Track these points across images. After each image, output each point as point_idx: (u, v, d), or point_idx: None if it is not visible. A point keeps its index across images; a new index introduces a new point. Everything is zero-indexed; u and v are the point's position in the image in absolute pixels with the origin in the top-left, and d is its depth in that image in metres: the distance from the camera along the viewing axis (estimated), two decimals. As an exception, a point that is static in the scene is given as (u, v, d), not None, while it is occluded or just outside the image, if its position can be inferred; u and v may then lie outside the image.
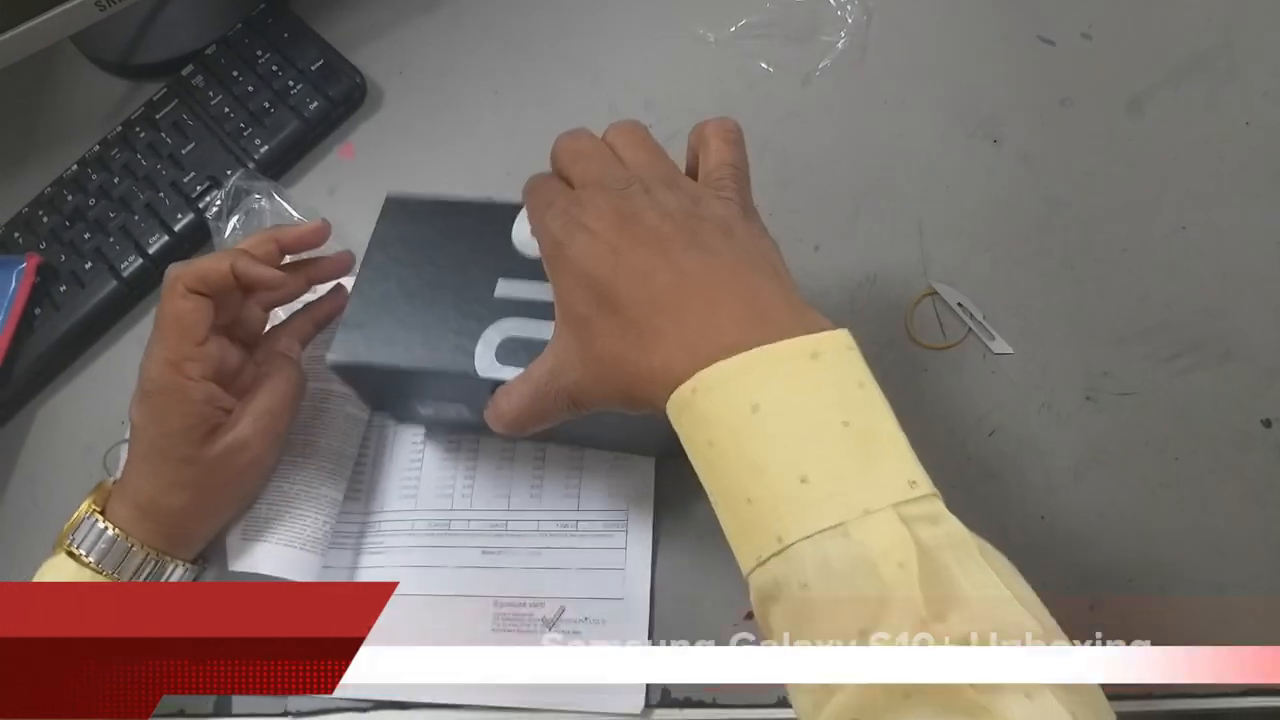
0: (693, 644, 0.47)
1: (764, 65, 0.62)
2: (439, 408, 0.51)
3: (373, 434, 0.55)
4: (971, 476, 0.49)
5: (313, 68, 0.67)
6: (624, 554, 0.50)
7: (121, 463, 0.50)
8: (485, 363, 0.45)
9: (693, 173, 0.42)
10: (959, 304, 0.52)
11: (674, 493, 0.51)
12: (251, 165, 0.64)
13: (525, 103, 0.64)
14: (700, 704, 0.47)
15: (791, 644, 0.31)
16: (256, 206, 0.61)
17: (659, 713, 0.47)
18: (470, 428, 0.52)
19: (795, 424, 0.32)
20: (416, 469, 0.54)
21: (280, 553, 0.50)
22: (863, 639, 0.30)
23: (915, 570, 0.29)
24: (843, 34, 0.61)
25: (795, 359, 0.33)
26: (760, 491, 0.32)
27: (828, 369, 0.33)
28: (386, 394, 0.52)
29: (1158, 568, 0.46)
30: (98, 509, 0.49)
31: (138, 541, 0.48)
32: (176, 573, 0.49)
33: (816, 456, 0.31)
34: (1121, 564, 0.46)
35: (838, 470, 0.31)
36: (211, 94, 0.68)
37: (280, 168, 0.65)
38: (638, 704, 0.47)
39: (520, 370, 0.42)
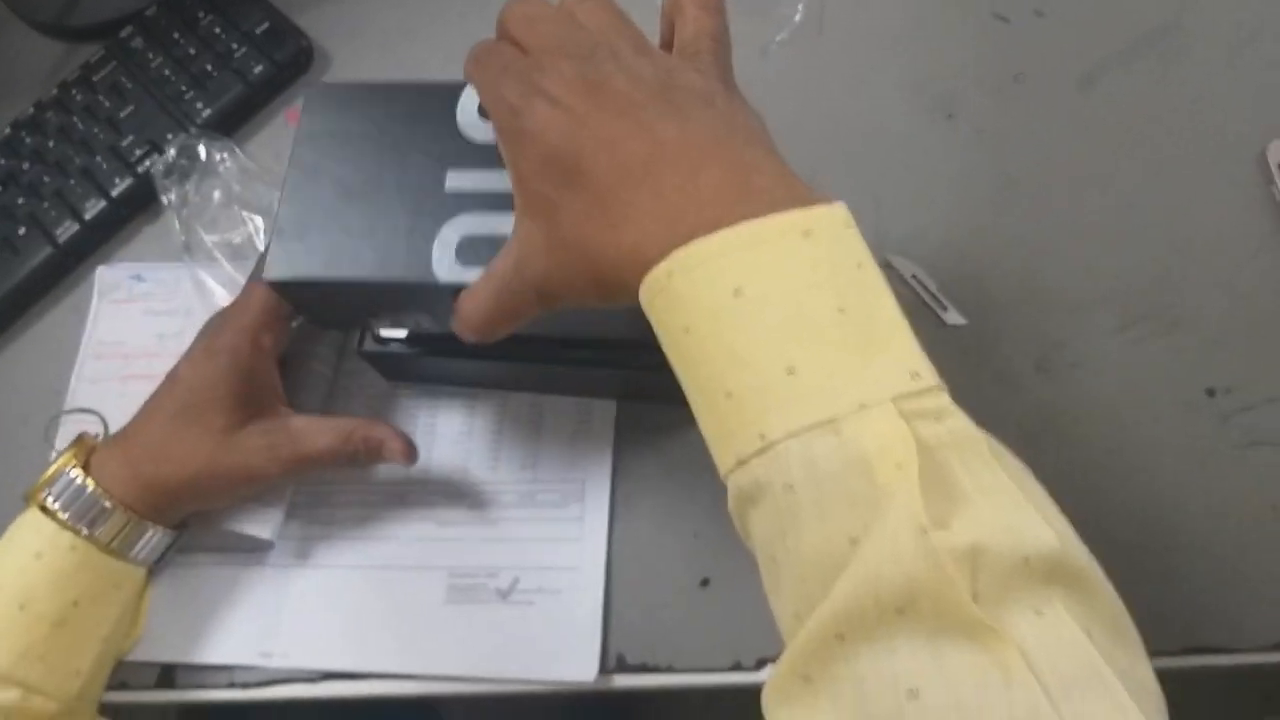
0: (649, 610, 0.48)
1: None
2: (397, 319, 0.47)
3: (330, 402, 0.54)
4: (926, 445, 0.49)
5: (257, 30, 0.65)
6: (581, 524, 0.50)
7: (63, 434, 0.48)
8: (445, 267, 0.40)
9: (667, 47, 0.37)
10: (913, 275, 0.53)
11: (633, 460, 0.51)
12: (193, 130, 0.62)
13: (479, 70, 0.63)
14: (655, 669, 0.47)
15: (772, 552, 0.28)
16: (221, 170, 0.59)
17: (616, 678, 0.47)
18: (438, 340, 0.49)
19: (783, 309, 0.28)
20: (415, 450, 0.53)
21: (245, 509, 0.50)
22: (854, 547, 0.26)
23: (915, 471, 0.26)
24: (800, 6, 0.61)
25: (785, 236, 0.29)
26: (741, 384, 0.28)
27: (821, 248, 0.29)
28: (335, 311, 0.47)
29: (1107, 533, 0.46)
30: (77, 462, 0.46)
31: (119, 501, 0.46)
32: (154, 538, 0.47)
33: (806, 345, 0.28)
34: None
35: (830, 361, 0.28)
36: (151, 56, 0.65)
37: (223, 132, 0.63)
38: (591, 670, 0.47)
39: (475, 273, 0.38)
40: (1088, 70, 0.56)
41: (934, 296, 0.52)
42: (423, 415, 0.54)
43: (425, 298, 0.41)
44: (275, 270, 0.42)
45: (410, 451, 0.48)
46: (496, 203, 0.40)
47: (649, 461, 0.51)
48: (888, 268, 0.53)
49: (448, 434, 0.53)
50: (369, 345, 0.50)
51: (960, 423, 0.28)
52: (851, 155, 0.56)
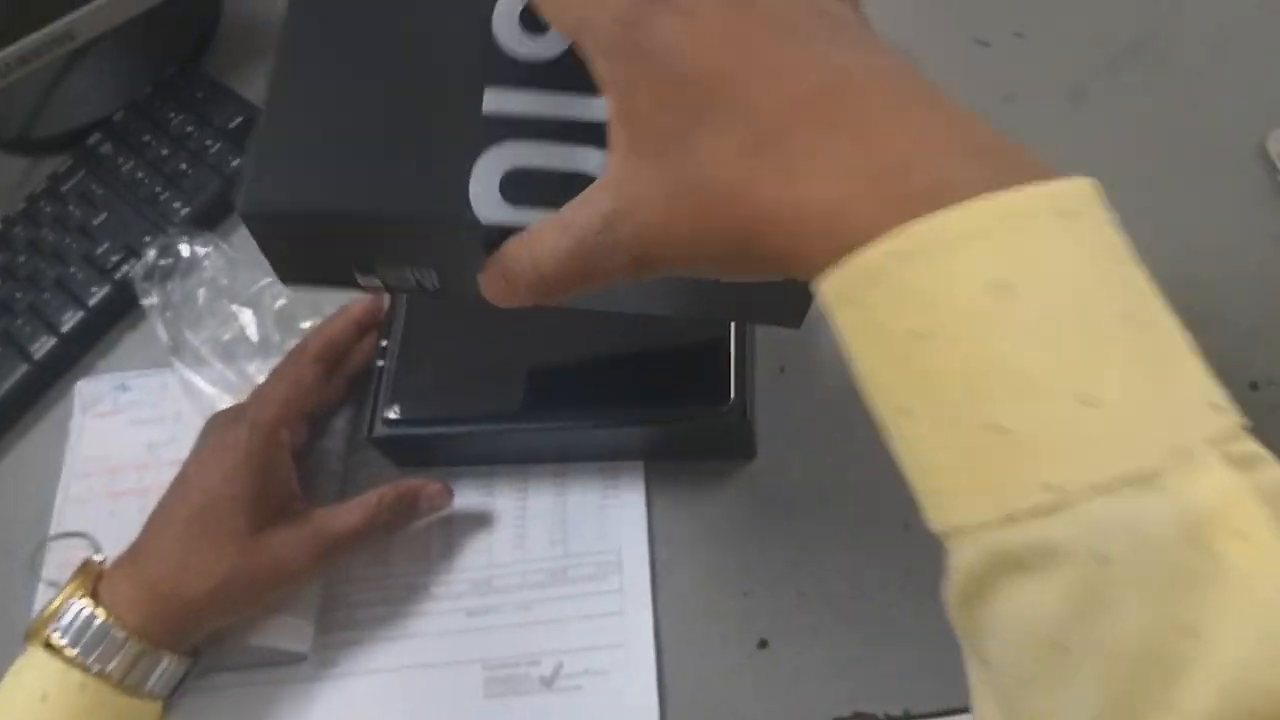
0: (705, 681, 0.44)
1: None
2: (395, 276, 0.35)
3: (341, 496, 0.51)
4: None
5: (231, 125, 0.64)
6: (619, 596, 0.47)
7: (57, 563, 0.45)
8: (488, 204, 0.30)
9: None
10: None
11: (669, 522, 0.48)
12: (171, 230, 0.60)
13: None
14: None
15: (1059, 638, 0.21)
16: (206, 265, 0.57)
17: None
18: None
19: (1061, 316, 0.21)
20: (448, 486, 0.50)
21: (273, 620, 0.46)
22: (1195, 642, 0.20)
23: (1266, 544, 0.20)
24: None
25: (1040, 216, 0.22)
26: (1015, 416, 0.21)
27: (1085, 234, 0.23)
28: (317, 257, 0.35)
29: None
30: (84, 591, 0.42)
31: (133, 631, 0.42)
32: (169, 668, 0.43)
33: (1099, 367, 0.21)
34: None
35: (1132, 388, 0.21)
36: (121, 161, 0.64)
37: (205, 229, 0.61)
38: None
39: (544, 214, 0.29)
40: (1077, 84, 0.56)
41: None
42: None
43: (453, 241, 0.32)
44: (254, 201, 0.31)
45: (446, 490, 0.48)
46: (555, 131, 0.31)
47: (686, 522, 0.48)
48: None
49: (466, 517, 0.50)
50: (379, 430, 0.48)
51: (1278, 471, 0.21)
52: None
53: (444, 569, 0.49)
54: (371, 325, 0.51)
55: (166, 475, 0.52)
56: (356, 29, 0.33)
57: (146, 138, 0.64)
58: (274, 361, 0.52)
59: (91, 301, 0.59)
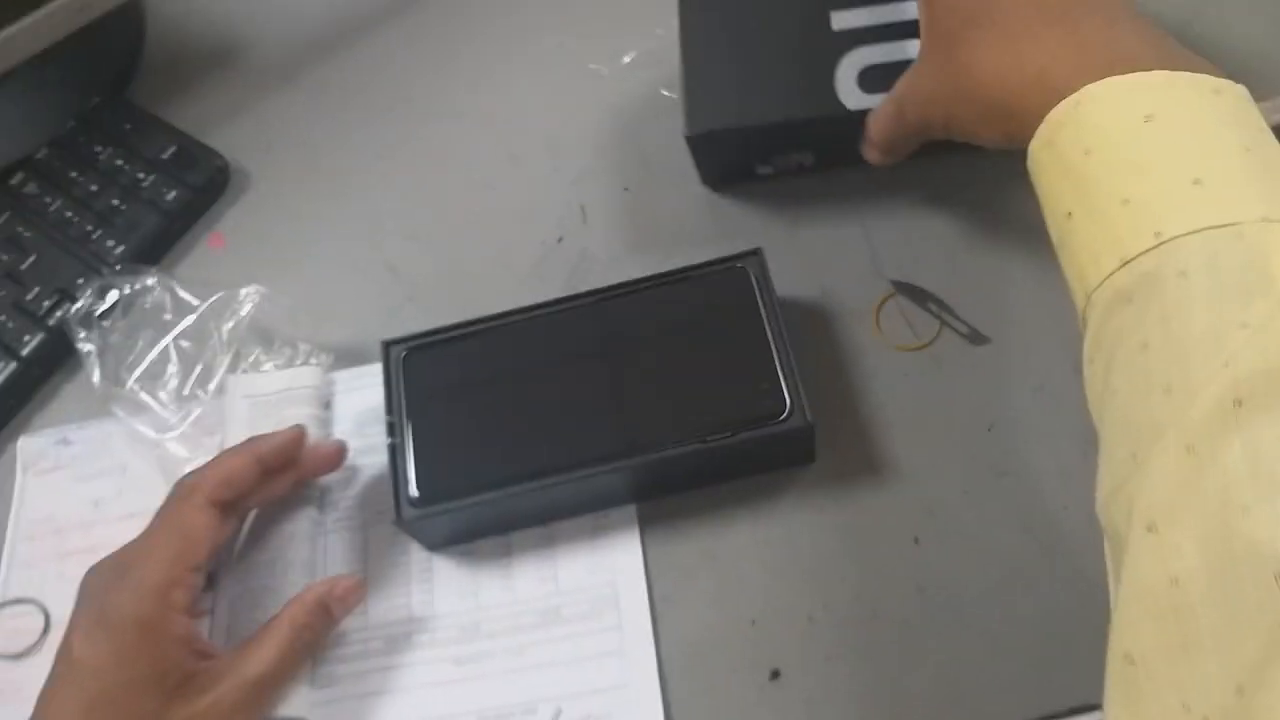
0: (716, 718, 0.41)
1: (665, 92, 0.58)
2: (782, 161, 0.51)
3: (313, 554, 0.47)
4: (980, 476, 0.45)
5: (164, 156, 0.60)
6: (619, 634, 0.44)
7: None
8: (852, 96, 0.46)
9: None
10: (928, 303, 0.49)
11: (665, 552, 0.45)
12: (105, 271, 0.56)
13: (417, 161, 0.59)
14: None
15: (1145, 337, 0.28)
16: (149, 304, 0.53)
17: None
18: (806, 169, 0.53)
19: (1194, 136, 0.30)
20: (360, 576, 0.46)
21: None
22: (1248, 332, 0.26)
23: None
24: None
25: (1197, 88, 0.31)
26: (1143, 190, 0.30)
27: (1230, 105, 0.32)
28: (734, 160, 0.51)
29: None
30: None
31: None
32: None
33: (1214, 164, 0.30)
34: (1156, 541, 0.43)
35: (1236, 179, 0.29)
36: (48, 200, 0.60)
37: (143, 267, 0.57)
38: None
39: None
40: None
41: (954, 317, 0.48)
42: (415, 547, 0.47)
43: (834, 128, 0.47)
44: (694, 125, 0.47)
45: (358, 583, 0.44)
46: (888, 33, 0.46)
47: (683, 550, 0.45)
48: (895, 296, 0.50)
49: (446, 560, 0.47)
50: (408, 513, 0.44)
51: None
52: (829, 186, 0.53)
53: (426, 616, 0.45)
54: (278, 467, 0.44)
55: (115, 531, 0.48)
56: (737, 10, 0.49)
57: (74, 174, 0.60)
58: (220, 401, 0.49)
59: (24, 351, 0.54)
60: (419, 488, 0.44)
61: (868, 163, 0.48)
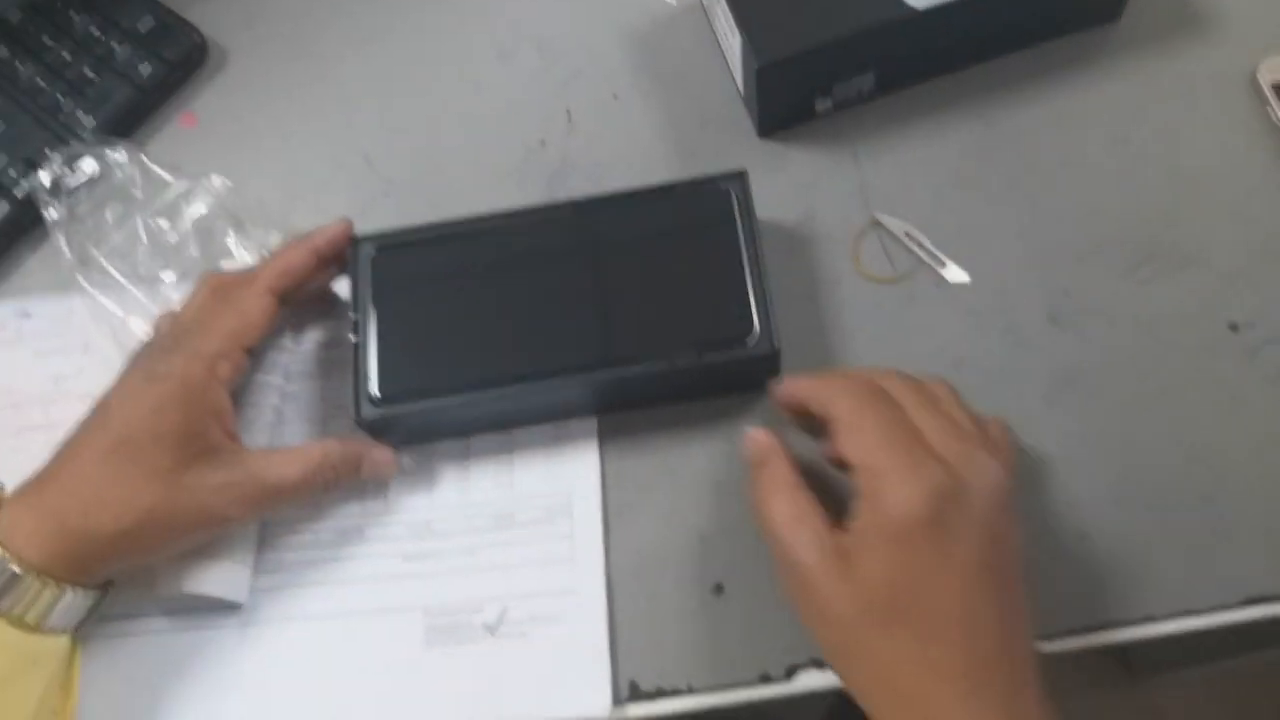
0: (659, 628, 0.42)
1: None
2: (844, 90, 0.50)
3: (277, 434, 0.47)
4: (942, 413, 0.45)
5: (141, 28, 0.58)
6: (570, 541, 0.44)
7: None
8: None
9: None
10: (906, 233, 0.48)
11: (622, 463, 0.45)
12: (76, 142, 0.55)
13: (400, 51, 0.57)
14: (674, 692, 0.41)
15: None
16: (118, 177, 0.51)
17: (630, 708, 0.41)
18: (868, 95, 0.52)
19: None
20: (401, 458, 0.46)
21: (209, 568, 0.42)
22: None
23: None
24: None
25: None
26: None
27: None
28: (798, 94, 0.50)
29: (1144, 487, 0.43)
30: None
31: (31, 566, 0.38)
32: (73, 603, 0.39)
33: None
34: (1107, 487, 0.43)
35: None
36: (19, 66, 0.58)
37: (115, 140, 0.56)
38: (604, 703, 0.41)
39: None
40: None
41: (931, 254, 0.48)
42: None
43: (906, 33, 0.47)
44: (765, 55, 0.46)
45: (394, 460, 0.45)
46: None
47: (640, 463, 0.45)
48: (877, 226, 0.49)
49: (404, 458, 0.46)
50: (367, 412, 0.43)
51: None
52: (824, 111, 0.51)
53: (379, 511, 0.45)
54: (332, 257, 0.46)
55: (75, 410, 0.48)
56: None
57: (46, 40, 0.58)
58: (190, 281, 0.48)
59: (-10, 220, 0.53)
60: (380, 387, 0.43)
61: (923, 81, 0.51)
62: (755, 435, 0.40)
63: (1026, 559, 0.38)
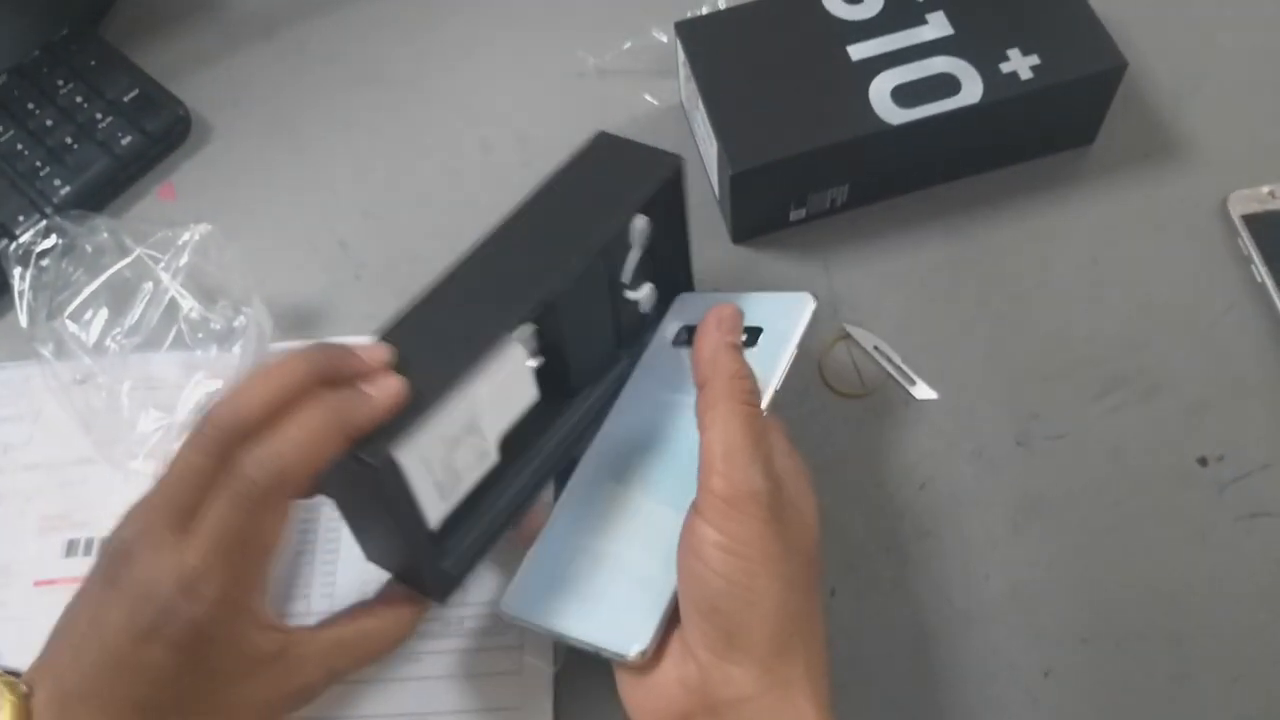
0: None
1: (649, 98, 0.57)
2: (818, 200, 0.50)
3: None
4: (905, 534, 0.44)
5: (126, 99, 0.58)
6: (519, 653, 0.43)
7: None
8: (891, 113, 0.47)
9: None
10: (875, 347, 0.48)
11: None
12: (49, 210, 0.54)
13: (383, 137, 0.57)
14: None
15: None
16: (88, 249, 0.51)
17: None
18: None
19: None
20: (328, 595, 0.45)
21: None
22: None
23: None
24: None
25: None
26: None
27: None
28: (772, 201, 0.50)
29: (1110, 622, 0.42)
30: None
31: None
32: None
33: None
34: (1072, 621, 0.42)
35: None
36: (1, 129, 0.57)
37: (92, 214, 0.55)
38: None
39: (933, 108, 0.46)
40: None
41: (900, 369, 0.47)
42: (323, 535, 0.45)
43: (880, 147, 0.47)
44: (739, 163, 0.47)
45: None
46: (909, 55, 0.48)
47: (596, 571, 0.44)
48: (846, 339, 0.49)
49: (352, 552, 0.45)
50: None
51: None
52: (797, 220, 0.52)
53: (324, 610, 0.44)
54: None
55: (19, 481, 0.47)
56: (737, 42, 0.50)
57: (31, 105, 0.58)
58: (152, 356, 0.47)
59: (-48, 283, 0.53)
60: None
61: (897, 195, 0.51)
62: (709, 322, 0.37)
63: (988, 697, 0.37)
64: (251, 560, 0.32)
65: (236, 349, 0.49)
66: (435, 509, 0.35)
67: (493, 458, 0.38)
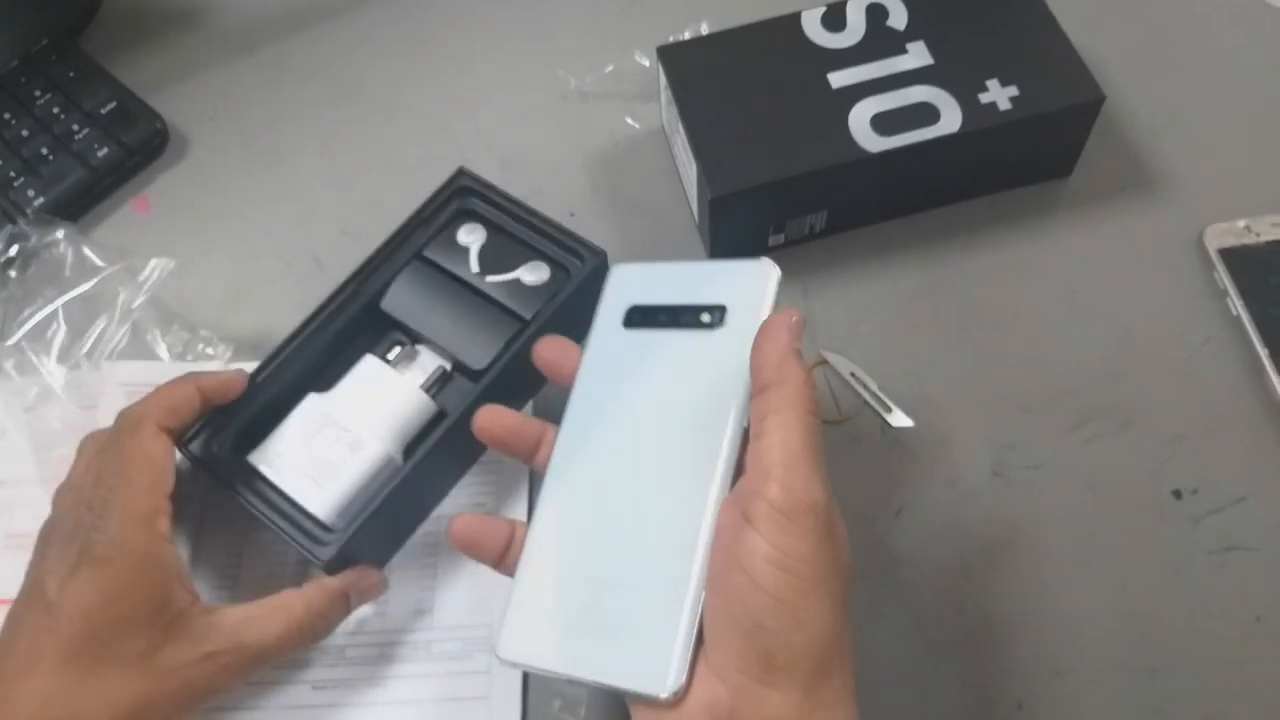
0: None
1: (630, 121, 0.57)
2: (797, 225, 0.50)
3: (199, 542, 0.45)
4: (881, 562, 0.44)
5: (103, 110, 0.58)
6: (488, 679, 0.42)
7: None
8: (870, 140, 0.47)
9: None
10: (852, 374, 0.48)
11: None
12: (21, 221, 0.53)
13: (362, 156, 0.57)
14: None
15: None
16: (54, 254, 0.50)
17: None
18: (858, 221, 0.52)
19: None
20: (229, 588, 0.44)
21: None
22: None
23: None
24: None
25: None
26: None
27: None
28: (751, 225, 0.50)
29: (1084, 655, 0.42)
30: None
31: None
32: None
33: None
34: (1048, 653, 0.42)
35: None
36: (-25, 138, 0.57)
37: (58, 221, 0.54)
38: None
39: (911, 136, 0.47)
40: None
41: (875, 396, 0.47)
42: (290, 559, 0.45)
43: (858, 174, 0.48)
44: (719, 187, 0.46)
45: (383, 581, 0.42)
46: (888, 84, 0.49)
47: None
48: (823, 365, 0.48)
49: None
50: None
51: None
52: (775, 245, 0.52)
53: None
54: (218, 403, 0.42)
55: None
56: (718, 68, 0.51)
57: (7, 115, 0.58)
58: (116, 368, 0.47)
59: (-80, 295, 0.52)
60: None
61: (875, 222, 0.51)
62: (778, 325, 0.33)
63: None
64: (140, 479, 0.38)
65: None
66: (313, 497, 0.40)
67: (378, 449, 0.41)
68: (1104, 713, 0.41)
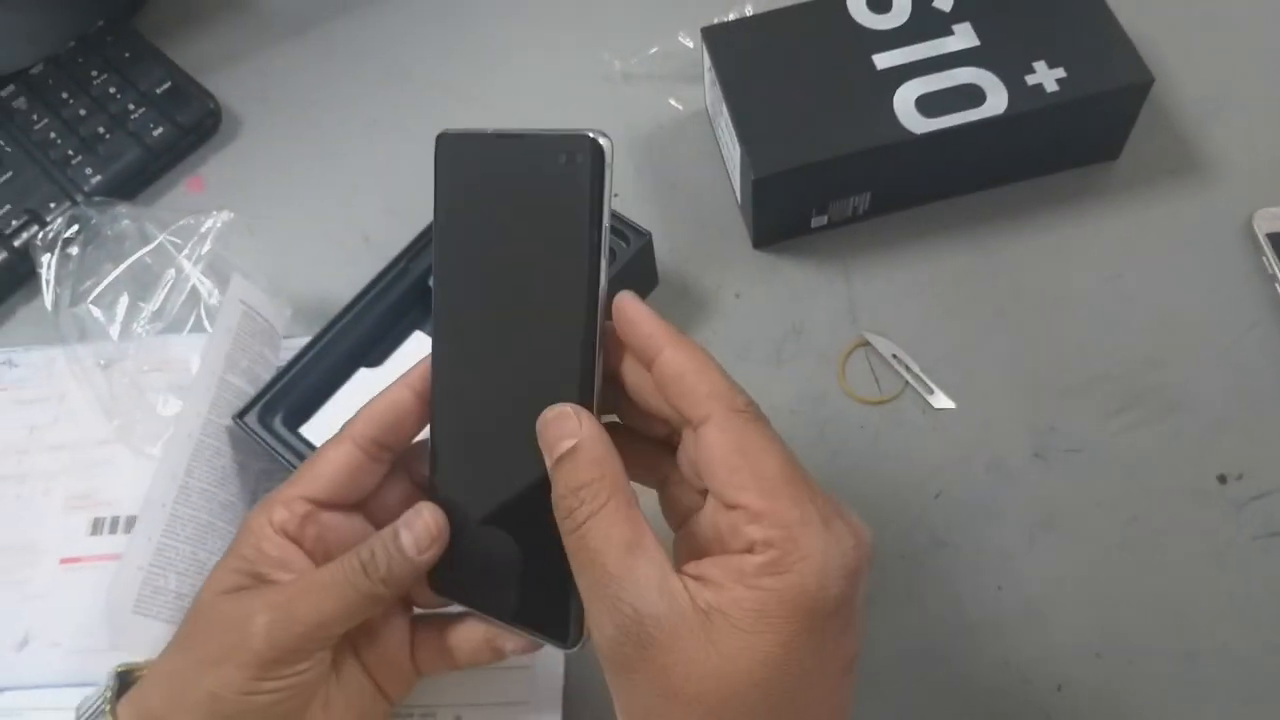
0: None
1: (674, 103, 0.57)
2: (839, 207, 0.50)
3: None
4: (920, 543, 0.44)
5: (158, 91, 0.59)
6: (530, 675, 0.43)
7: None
8: (915, 121, 0.47)
9: None
10: (894, 355, 0.48)
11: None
12: (80, 198, 0.55)
13: (407, 135, 0.58)
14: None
15: None
16: (115, 229, 0.51)
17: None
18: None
19: None
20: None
21: None
22: None
23: None
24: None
25: None
26: None
27: None
28: (794, 207, 0.50)
29: (1124, 638, 0.42)
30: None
31: None
32: None
33: None
34: (1086, 636, 0.42)
35: None
36: (35, 118, 0.59)
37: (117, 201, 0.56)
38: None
39: (955, 119, 0.47)
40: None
41: (918, 378, 0.47)
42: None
43: (904, 155, 0.48)
44: (762, 168, 0.47)
45: (437, 518, 0.34)
46: (934, 65, 0.49)
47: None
48: (865, 346, 0.49)
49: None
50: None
51: None
52: (818, 227, 0.52)
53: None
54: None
55: (46, 461, 0.48)
56: (763, 49, 0.50)
57: (65, 95, 0.59)
58: (173, 340, 0.48)
59: (-16, 269, 0.54)
60: None
61: (919, 204, 0.51)
62: (562, 410, 0.28)
63: (998, 711, 0.37)
64: (290, 492, 0.34)
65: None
66: None
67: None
68: (1143, 695, 0.41)
